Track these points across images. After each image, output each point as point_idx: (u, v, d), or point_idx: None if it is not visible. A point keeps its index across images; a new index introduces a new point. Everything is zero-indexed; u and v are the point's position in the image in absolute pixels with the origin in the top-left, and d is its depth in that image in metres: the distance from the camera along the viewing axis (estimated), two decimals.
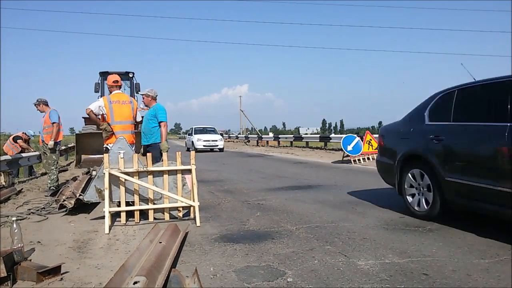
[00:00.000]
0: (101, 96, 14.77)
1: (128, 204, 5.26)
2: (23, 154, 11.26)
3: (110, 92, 6.13)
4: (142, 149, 6.22)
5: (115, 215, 5.33)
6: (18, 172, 12.00)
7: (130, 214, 5.33)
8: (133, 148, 5.66)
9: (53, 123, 7.98)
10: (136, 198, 5.26)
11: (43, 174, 11.55)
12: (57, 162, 8.49)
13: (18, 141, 12.43)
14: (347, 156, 13.15)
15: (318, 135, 28.23)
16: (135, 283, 2.60)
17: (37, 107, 8.09)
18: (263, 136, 35.13)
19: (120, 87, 6.12)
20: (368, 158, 13.30)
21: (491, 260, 3.39)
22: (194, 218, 5.09)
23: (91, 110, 5.85)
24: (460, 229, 4.39)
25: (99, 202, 5.77)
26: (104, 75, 14.96)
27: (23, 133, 12.78)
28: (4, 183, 8.65)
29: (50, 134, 7.97)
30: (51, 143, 7.92)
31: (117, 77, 6.11)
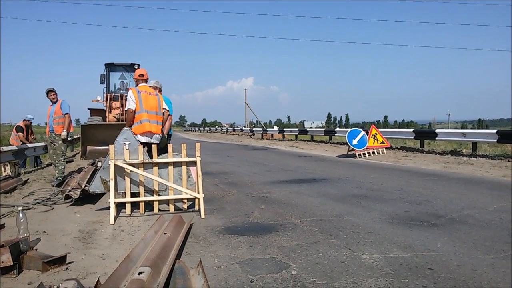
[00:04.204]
0: (106, 87, 14.81)
1: (133, 195, 5.28)
2: (29, 145, 11.30)
3: (136, 85, 6.12)
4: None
5: (120, 206, 5.36)
6: (25, 162, 12.03)
7: (135, 205, 5.36)
8: (160, 139, 5.79)
9: (66, 114, 8.04)
10: (141, 189, 5.27)
11: (49, 164, 11.61)
12: (65, 153, 8.55)
13: (18, 133, 12.29)
14: (352, 150, 13.10)
15: (323, 129, 28.11)
16: (139, 273, 2.61)
17: (51, 95, 8.10)
18: (268, 129, 35.04)
19: (146, 81, 6.12)
20: (373, 152, 13.24)
21: (496, 256, 3.37)
22: (199, 210, 5.11)
23: (132, 111, 5.74)
24: (465, 224, 4.37)
25: (104, 193, 5.81)
26: (109, 66, 14.96)
27: (23, 120, 12.52)
28: (10, 173, 8.71)
29: (62, 125, 8.04)
30: (64, 134, 8.00)
31: (143, 71, 6.16)
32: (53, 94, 8.11)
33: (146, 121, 5.69)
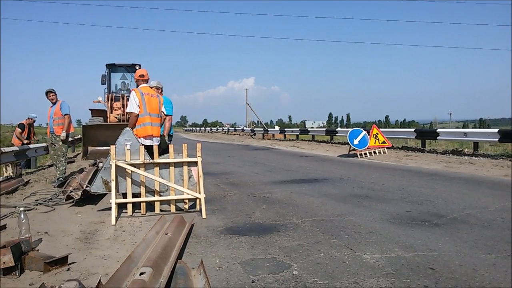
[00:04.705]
0: (107, 88, 14.82)
1: (134, 195, 5.28)
2: (31, 146, 11.29)
3: (137, 86, 6.06)
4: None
5: (121, 207, 5.36)
6: (26, 163, 11.98)
7: (136, 206, 5.37)
8: (159, 141, 5.74)
9: (65, 115, 8.04)
10: (142, 189, 5.28)
11: (50, 165, 11.61)
12: (66, 154, 8.56)
13: (17, 129, 12.11)
14: (354, 150, 13.08)
15: (324, 129, 28.07)
16: (141, 274, 2.62)
17: (50, 96, 8.10)
18: (269, 129, 35.03)
19: (146, 81, 6.04)
20: (375, 152, 13.23)
21: (498, 255, 3.37)
22: (200, 210, 5.11)
23: (136, 114, 5.63)
24: (466, 224, 4.36)
25: (105, 194, 5.81)
26: (110, 67, 14.98)
27: (26, 119, 12.38)
28: (11, 174, 8.72)
29: (62, 126, 8.04)
30: (63, 135, 8.00)
31: (144, 72, 6.09)
32: (52, 95, 8.11)
33: (149, 124, 5.67)
